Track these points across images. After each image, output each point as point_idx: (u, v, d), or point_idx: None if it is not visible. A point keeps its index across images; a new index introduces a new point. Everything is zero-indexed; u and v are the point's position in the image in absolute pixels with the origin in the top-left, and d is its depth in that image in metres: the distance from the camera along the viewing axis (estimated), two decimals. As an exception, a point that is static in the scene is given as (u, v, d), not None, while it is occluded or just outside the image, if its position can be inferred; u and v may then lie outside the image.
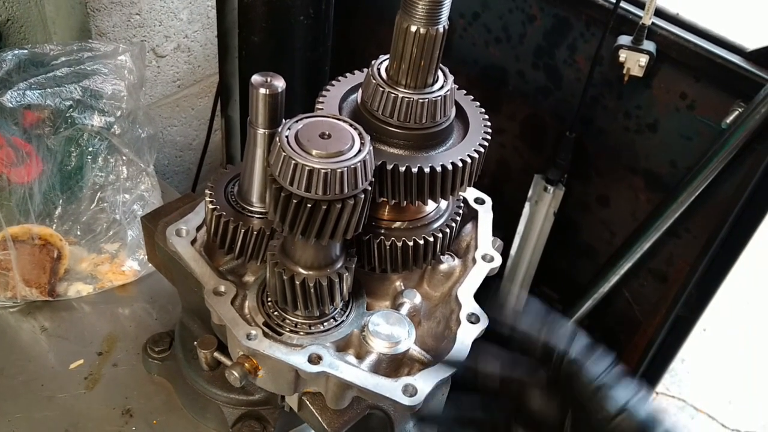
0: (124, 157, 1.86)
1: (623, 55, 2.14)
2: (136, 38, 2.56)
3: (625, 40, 2.15)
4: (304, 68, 2.13)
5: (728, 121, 2.08)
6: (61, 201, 1.80)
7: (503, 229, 1.40)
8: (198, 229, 1.30)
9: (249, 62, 2.14)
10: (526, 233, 2.68)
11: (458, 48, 2.58)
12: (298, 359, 1.10)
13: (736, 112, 2.06)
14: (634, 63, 2.14)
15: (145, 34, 2.59)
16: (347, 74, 1.22)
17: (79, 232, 1.82)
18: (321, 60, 2.18)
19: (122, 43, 1.95)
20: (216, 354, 1.41)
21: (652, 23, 2.12)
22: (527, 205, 2.62)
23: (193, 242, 1.28)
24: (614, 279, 2.54)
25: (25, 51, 1.72)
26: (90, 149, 1.81)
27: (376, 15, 2.80)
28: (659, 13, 2.15)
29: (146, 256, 1.64)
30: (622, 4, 2.15)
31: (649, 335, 2.60)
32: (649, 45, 2.12)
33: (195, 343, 1.44)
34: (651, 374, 2.72)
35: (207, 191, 1.26)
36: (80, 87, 1.74)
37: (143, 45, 1.99)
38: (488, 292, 1.25)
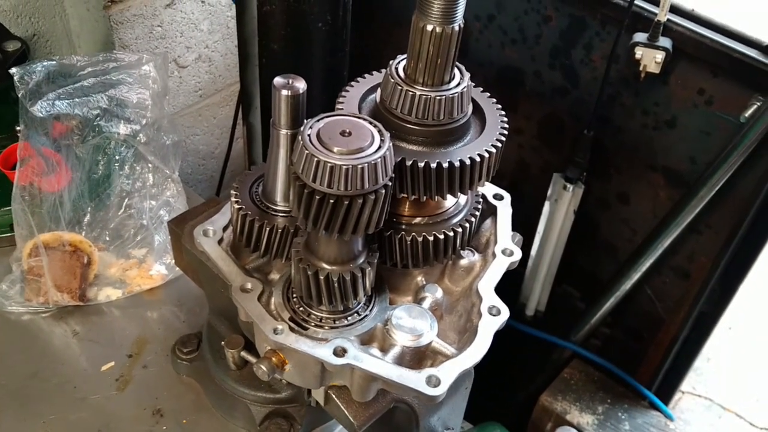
0: (149, 165, 1.90)
1: (639, 52, 2.14)
2: (158, 49, 2.61)
3: (640, 37, 2.15)
4: (323, 74, 2.16)
5: (747, 115, 2.07)
6: (89, 208, 1.84)
7: (523, 228, 1.41)
8: (224, 229, 1.34)
9: (269, 70, 2.17)
10: (547, 232, 2.69)
11: (474, 50, 2.60)
12: (324, 352, 1.13)
13: (755, 106, 2.05)
14: (651, 60, 2.14)
15: (166, 45, 2.65)
16: (365, 75, 1.25)
17: (107, 238, 1.86)
18: (339, 65, 2.21)
19: (145, 54, 2.00)
20: (243, 353, 1.44)
21: (668, 20, 2.12)
22: (547, 204, 2.63)
23: (220, 242, 1.31)
24: (636, 276, 2.54)
25: (54, 62, 1.76)
26: (117, 157, 1.85)
27: (391, 20, 2.83)
28: (674, 9, 2.15)
29: (173, 260, 1.68)
30: (637, 2, 2.16)
31: (673, 332, 2.59)
32: (665, 41, 2.12)
33: (222, 343, 1.47)
34: (675, 371, 2.71)
35: (232, 191, 1.29)
36: (107, 96, 1.78)
37: (166, 55, 2.04)
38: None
